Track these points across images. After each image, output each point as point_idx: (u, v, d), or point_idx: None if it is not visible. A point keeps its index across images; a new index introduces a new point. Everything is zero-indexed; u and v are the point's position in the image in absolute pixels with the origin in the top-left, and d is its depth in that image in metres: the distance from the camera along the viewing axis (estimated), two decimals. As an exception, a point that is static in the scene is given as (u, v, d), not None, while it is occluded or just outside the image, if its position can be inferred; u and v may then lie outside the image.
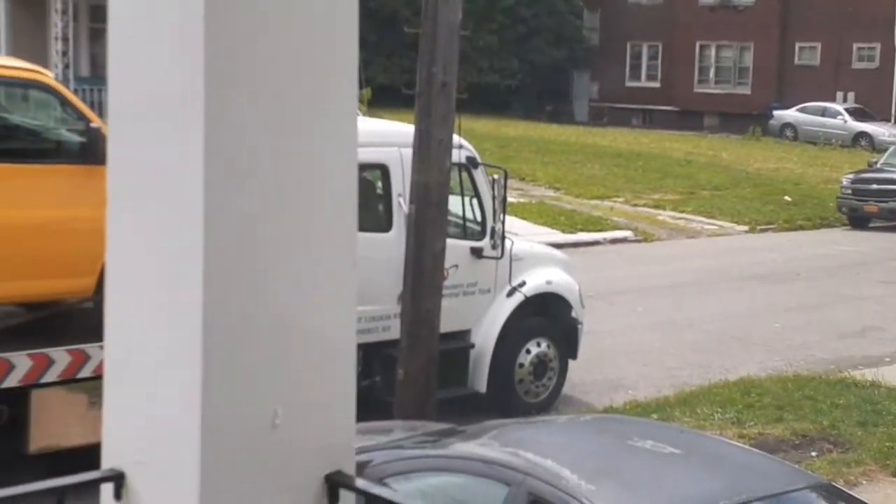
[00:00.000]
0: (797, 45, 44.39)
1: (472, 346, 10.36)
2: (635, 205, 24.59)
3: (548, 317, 10.93)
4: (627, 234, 21.41)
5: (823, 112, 40.31)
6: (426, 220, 8.81)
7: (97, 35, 29.69)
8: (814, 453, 9.63)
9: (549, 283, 10.86)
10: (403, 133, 9.82)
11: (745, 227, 22.97)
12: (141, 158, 2.24)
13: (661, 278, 17.35)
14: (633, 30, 47.16)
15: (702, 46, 46.17)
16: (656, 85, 47.44)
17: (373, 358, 9.44)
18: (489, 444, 5.82)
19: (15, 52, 25.28)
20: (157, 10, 2.20)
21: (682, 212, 24.04)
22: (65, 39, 28.02)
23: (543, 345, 10.79)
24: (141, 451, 2.23)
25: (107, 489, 2.27)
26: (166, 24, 2.18)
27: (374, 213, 9.59)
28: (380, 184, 9.85)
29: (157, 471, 2.22)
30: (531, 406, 10.57)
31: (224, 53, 2.12)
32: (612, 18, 48.14)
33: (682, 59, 46.05)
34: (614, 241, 20.83)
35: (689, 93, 46.07)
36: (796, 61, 44.56)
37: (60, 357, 7.95)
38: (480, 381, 10.36)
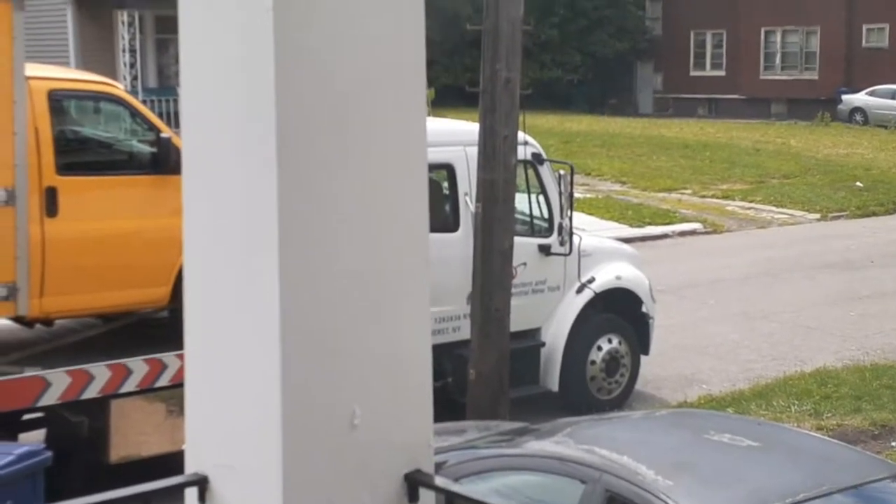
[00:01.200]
0: (864, 27, 43.67)
1: (543, 344, 10.34)
2: (703, 196, 24.36)
3: (618, 312, 10.87)
4: (696, 226, 21.22)
5: (893, 95, 39.59)
6: (493, 219, 8.81)
7: (163, 46, 30.11)
8: (894, 443, 9.48)
9: (618, 278, 10.80)
10: (468, 132, 9.83)
11: (817, 215, 22.65)
12: (215, 166, 2.28)
13: (732, 270, 17.17)
14: (697, 18, 46.70)
15: (767, 32, 45.59)
16: (721, 73, 46.96)
17: (444, 359, 9.47)
18: (564, 441, 5.81)
19: (84, 64, 25.75)
20: (225, 17, 2.24)
21: (751, 201, 23.76)
22: (132, 51, 28.45)
23: (615, 341, 10.74)
24: (223, 454, 2.26)
25: (191, 493, 2.30)
26: (235, 30, 2.22)
27: (440, 213, 9.61)
28: (446, 183, 9.88)
29: (239, 473, 2.25)
30: (604, 403, 10.52)
31: (293, 58, 2.15)
32: (675, 7, 47.74)
33: (748, 45, 45.51)
34: (683, 233, 20.66)
35: (755, 80, 45.53)
36: (864, 44, 43.83)
37: (138, 367, 8.07)
38: (552, 379, 10.34)
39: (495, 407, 8.87)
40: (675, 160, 28.90)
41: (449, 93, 35.23)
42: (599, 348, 10.63)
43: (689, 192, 24.82)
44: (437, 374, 9.53)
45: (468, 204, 9.61)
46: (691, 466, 5.44)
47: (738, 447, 5.71)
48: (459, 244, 9.50)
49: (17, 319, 8.10)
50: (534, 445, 5.91)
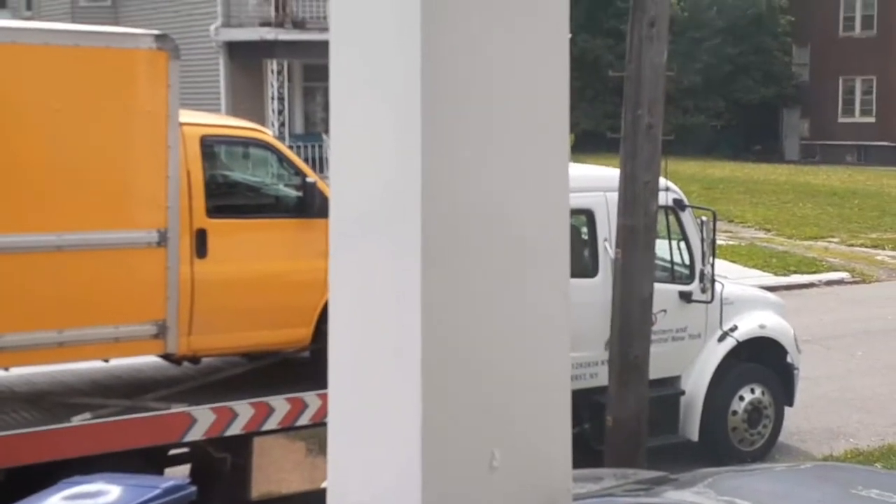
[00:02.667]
0: None
1: (683, 392, 10.17)
2: (851, 245, 23.71)
3: (762, 362, 10.63)
4: (844, 275, 20.65)
5: None
6: (633, 265, 8.74)
7: (311, 94, 30.85)
8: None
9: (762, 327, 10.58)
10: (608, 177, 9.80)
11: (972, 266, 21.80)
12: (361, 212, 2.34)
13: (882, 321, 16.63)
14: (845, 64, 45.67)
15: (919, 78, 44.32)
16: (871, 120, 45.73)
17: (581, 405, 9.39)
18: (704, 492, 5.70)
19: (234, 111, 26.57)
20: (376, 69, 2.30)
21: (902, 251, 23.05)
22: (280, 99, 29.23)
23: (758, 391, 10.51)
24: (364, 494, 2.29)
25: None
26: (385, 83, 2.27)
27: (579, 258, 9.58)
28: (585, 229, 9.85)
29: (380, 514, 2.28)
30: (746, 454, 10.28)
31: (440, 113, 2.19)
32: (823, 53, 46.78)
33: (898, 92, 44.28)
34: (830, 282, 20.12)
35: (906, 127, 44.22)
36: None
37: (280, 405, 8.21)
38: (692, 428, 10.16)
39: (633, 455, 8.75)
40: (822, 208, 28.23)
41: (590, 138, 35.16)
42: (742, 398, 10.42)
43: (836, 240, 24.19)
44: (575, 420, 9.42)
45: (607, 249, 9.56)
46: (837, 522, 5.27)
47: (888, 503, 5.52)
48: (598, 290, 9.45)
49: (166, 357, 8.34)
50: (673, 495, 5.81)
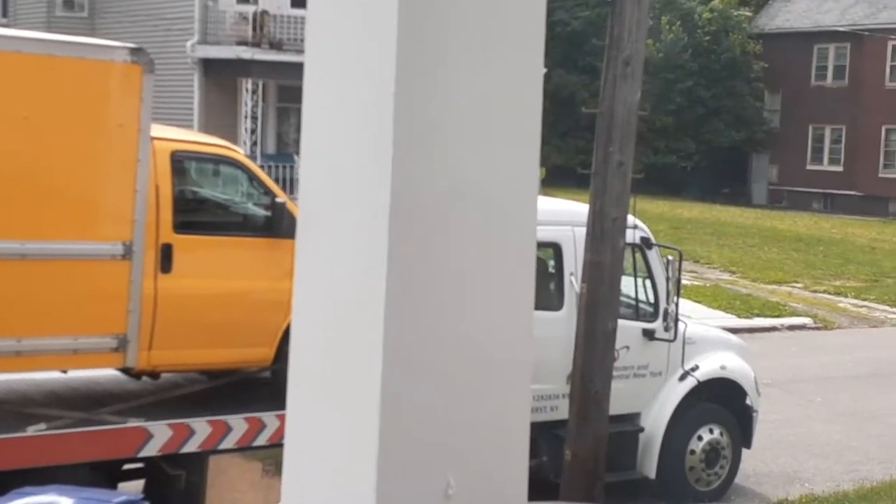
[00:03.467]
0: None
1: (642, 429, 10.19)
2: (815, 291, 23.90)
3: (721, 403, 10.67)
4: (806, 320, 20.80)
5: None
6: (598, 300, 8.76)
7: (284, 114, 30.86)
8: None
9: (723, 368, 10.63)
10: (576, 212, 9.84)
11: (933, 318, 22.02)
12: (329, 233, 2.34)
13: (842, 368, 16.75)
14: (816, 112, 46.19)
15: (888, 131, 44.83)
16: (839, 169, 46.23)
17: (540, 437, 9.38)
18: (658, 530, 5.70)
19: (207, 128, 26.50)
20: (348, 95, 2.31)
21: (864, 300, 23.23)
22: (254, 118, 29.22)
23: (716, 432, 10.54)
24: None
25: None
26: (357, 108, 2.28)
27: (545, 291, 9.59)
28: (552, 262, 9.87)
29: (333, 538, 2.27)
30: (702, 495, 10.30)
31: (410, 138, 2.20)
32: (794, 101, 47.30)
33: (867, 143, 44.79)
34: (792, 327, 20.25)
35: (873, 178, 44.70)
36: None
37: (238, 424, 8.16)
38: (650, 465, 10.17)
39: (590, 490, 8.75)
40: (787, 253, 28.46)
41: (560, 173, 35.36)
42: (700, 438, 10.44)
43: (800, 285, 24.37)
44: (533, 452, 9.45)
45: (573, 284, 9.58)
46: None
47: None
48: (562, 323, 9.46)
49: (125, 371, 8.28)
50: (627, 532, 5.81)
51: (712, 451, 10.48)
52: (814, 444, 12.56)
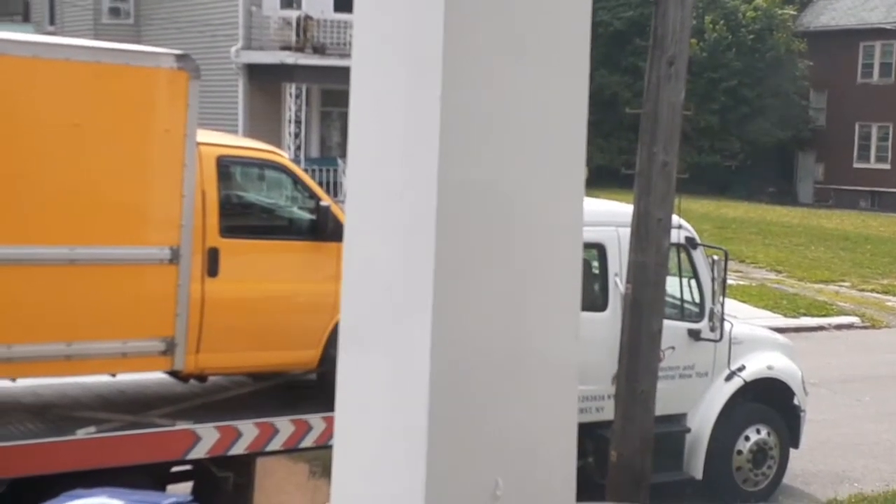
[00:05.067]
0: None
1: (689, 430, 10.14)
2: (862, 290, 23.65)
3: (768, 403, 10.60)
4: (854, 319, 20.59)
5: None
6: (643, 301, 8.73)
7: (328, 118, 30.98)
8: None
9: (770, 368, 10.55)
10: (620, 213, 9.81)
11: (984, 316, 21.72)
12: (373, 238, 2.35)
13: (890, 367, 16.56)
14: (862, 110, 45.69)
15: (936, 127, 44.30)
16: (886, 167, 45.69)
17: (586, 438, 9.37)
18: (706, 530, 5.67)
19: (251, 133, 26.69)
20: (394, 98, 2.32)
21: (913, 298, 22.98)
22: (297, 122, 29.34)
23: (763, 432, 10.47)
24: None
25: None
26: (402, 112, 2.29)
27: (590, 292, 9.58)
28: (596, 263, 9.85)
29: (381, 539, 2.28)
30: (749, 495, 10.24)
31: (458, 140, 2.21)
32: (840, 99, 46.82)
33: (915, 140, 44.24)
34: (839, 326, 20.06)
35: (921, 175, 44.17)
36: None
37: (285, 427, 8.20)
38: (696, 466, 10.12)
39: (636, 491, 8.71)
40: (833, 252, 28.18)
41: (603, 173, 35.22)
42: (747, 438, 10.38)
43: (847, 284, 24.13)
44: (579, 453, 9.39)
45: (618, 285, 9.56)
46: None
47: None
48: (607, 324, 9.44)
49: (173, 374, 8.35)
50: (674, 533, 5.79)
51: (759, 452, 10.41)
52: (862, 444, 12.44)
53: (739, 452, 10.33)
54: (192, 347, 7.98)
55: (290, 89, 29.44)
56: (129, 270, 7.72)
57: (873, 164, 46.30)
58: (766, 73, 45.59)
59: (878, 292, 23.46)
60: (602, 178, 34.33)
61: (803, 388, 10.76)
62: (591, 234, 9.35)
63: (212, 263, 8.07)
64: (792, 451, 10.67)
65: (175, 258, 7.82)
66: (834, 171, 46.73)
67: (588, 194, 11.59)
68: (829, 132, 47.10)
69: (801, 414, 10.69)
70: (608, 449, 8.97)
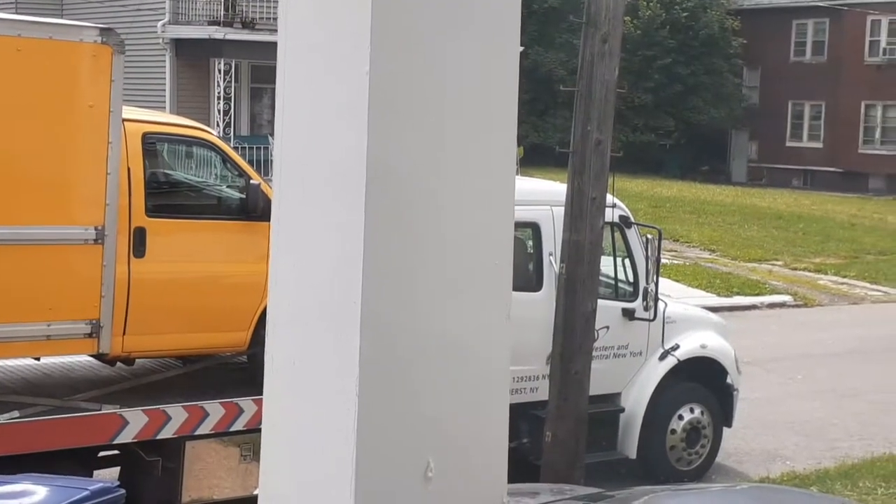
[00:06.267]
0: (968, 106, 42.82)
1: (623, 409, 10.16)
2: (795, 268, 23.95)
3: (702, 382, 10.65)
4: (786, 298, 20.84)
5: None
6: (577, 280, 8.71)
7: (258, 95, 30.66)
8: None
9: (703, 346, 10.60)
10: (555, 192, 9.78)
11: (913, 294, 22.10)
12: (305, 215, 2.27)
13: (822, 345, 16.79)
14: (795, 89, 46.24)
15: (867, 106, 44.93)
16: (818, 145, 46.34)
17: (520, 419, 9.34)
18: (640, 511, 5.64)
19: (179, 110, 26.33)
20: (323, 74, 2.23)
21: (844, 277, 23.29)
22: (226, 99, 29.00)
23: (697, 411, 10.52)
24: (297, 500, 2.24)
25: None
26: (332, 87, 2.22)
27: (524, 271, 9.53)
28: (530, 242, 9.81)
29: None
30: (683, 474, 10.29)
31: (387, 116, 2.14)
32: (773, 77, 47.32)
33: (847, 119, 44.87)
34: (772, 305, 20.29)
35: (853, 154, 44.82)
36: (967, 122, 42.96)
37: (215, 410, 8.09)
38: (630, 445, 10.15)
39: (570, 471, 8.71)
40: (767, 231, 28.50)
41: (538, 152, 35.30)
42: (681, 417, 10.42)
43: (780, 263, 24.42)
44: (513, 434, 9.38)
45: (552, 264, 9.53)
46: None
47: (821, 529, 5.50)
48: (541, 304, 9.40)
49: (99, 357, 8.19)
50: (608, 514, 5.75)
51: (693, 431, 10.46)
52: (795, 422, 12.58)
53: (673, 432, 10.37)
54: (119, 330, 7.83)
55: (219, 65, 29.05)
56: (52, 251, 7.54)
57: (806, 143, 46.92)
58: (700, 51, 45.94)
59: (810, 271, 23.77)
60: (537, 157, 34.43)
61: (736, 367, 10.83)
62: (525, 214, 9.30)
63: (138, 243, 7.91)
64: (725, 429, 10.74)
65: (100, 238, 7.64)
66: (767, 150, 47.28)
67: (523, 173, 11.66)
68: (762, 111, 47.62)
69: (735, 393, 10.76)
70: (543, 429, 8.96)
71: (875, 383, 14.41)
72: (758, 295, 20.71)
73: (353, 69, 2.20)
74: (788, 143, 47.10)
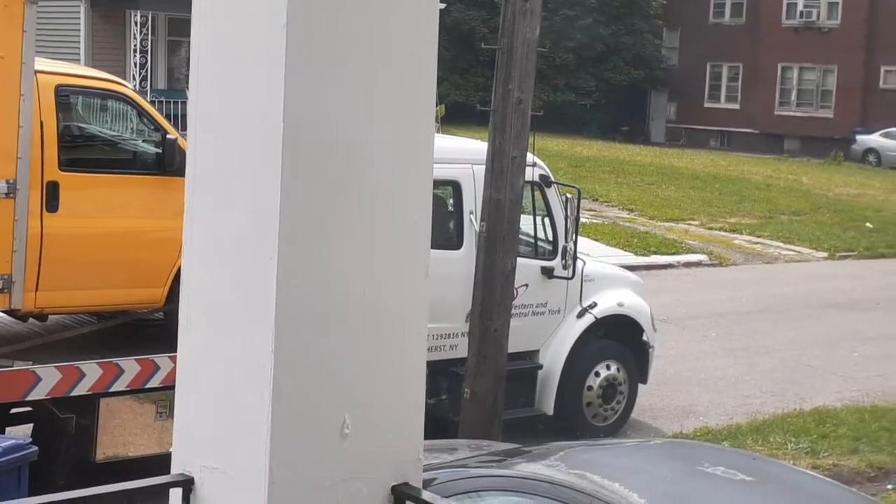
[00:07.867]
0: (882, 69, 43.65)
1: (540, 366, 10.26)
2: (711, 228, 24.31)
3: (618, 339, 10.78)
4: (702, 257, 21.16)
5: (908, 137, 39.56)
6: (497, 238, 8.74)
7: (175, 48, 30.14)
8: (889, 486, 9.38)
9: (620, 305, 10.72)
10: (476, 150, 9.79)
11: (824, 254, 22.56)
12: (220, 170, 2.24)
13: (736, 304, 17.09)
14: (714, 50, 46.76)
15: (784, 68, 45.61)
16: (735, 107, 46.97)
17: (439, 376, 9.39)
18: (556, 465, 5.72)
19: (94, 63, 25.76)
20: (240, 27, 2.20)
21: (759, 236, 23.70)
22: (143, 52, 28.46)
23: (613, 368, 10.65)
24: (210, 456, 2.23)
25: (175, 494, 2.28)
26: (249, 40, 2.18)
27: (444, 229, 9.55)
28: (451, 200, 9.82)
29: (225, 476, 2.22)
30: (599, 430, 10.43)
31: (303, 68, 2.11)
32: (692, 38, 47.79)
33: (763, 80, 45.52)
34: (688, 264, 20.59)
35: (769, 115, 45.52)
36: (881, 85, 43.81)
37: (130, 366, 8.00)
38: (548, 402, 10.26)
39: (488, 427, 8.79)
40: (684, 191, 28.86)
41: (459, 110, 35.28)
42: (597, 374, 10.55)
43: (696, 223, 24.77)
44: (432, 391, 9.46)
45: (472, 222, 9.55)
46: (683, 497, 5.36)
47: (732, 480, 5.63)
48: (461, 262, 9.43)
49: (11, 312, 8.04)
50: (525, 468, 5.82)
51: (609, 387, 10.60)
52: (708, 379, 12.81)
53: (590, 388, 10.50)
54: (31, 285, 7.69)
55: (135, 17, 28.46)
56: (-39, 205, 7.35)
57: (723, 104, 47.54)
58: (621, 12, 46.19)
59: (725, 231, 24.14)
60: (458, 116, 34.41)
61: (652, 325, 10.98)
62: (445, 172, 9.30)
63: (51, 198, 7.75)
64: (641, 386, 10.90)
65: (11, 192, 7.48)
66: (685, 111, 47.81)
67: (444, 131, 11.66)
68: (681, 72, 48.09)
69: (650, 350, 10.92)
70: (462, 386, 9.02)
71: (787, 341, 14.73)
72: (674, 254, 21.00)
73: (271, 20, 2.17)
74: (707, 104, 47.69)
